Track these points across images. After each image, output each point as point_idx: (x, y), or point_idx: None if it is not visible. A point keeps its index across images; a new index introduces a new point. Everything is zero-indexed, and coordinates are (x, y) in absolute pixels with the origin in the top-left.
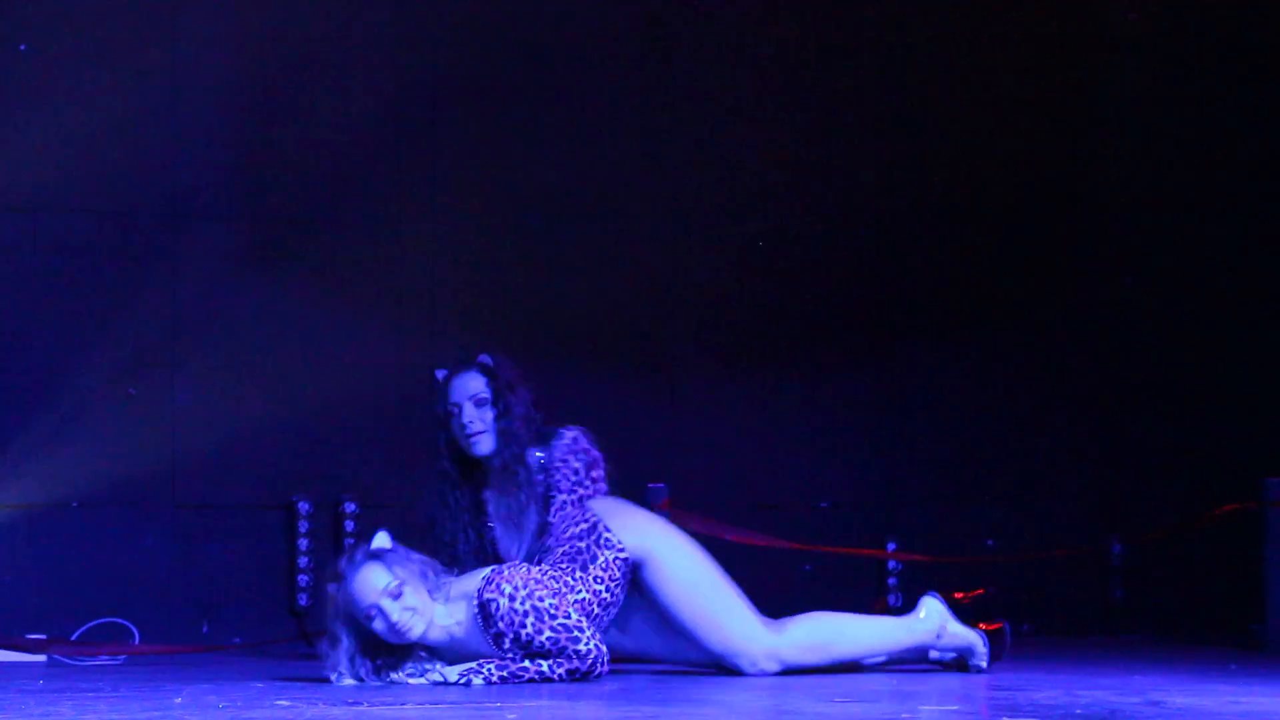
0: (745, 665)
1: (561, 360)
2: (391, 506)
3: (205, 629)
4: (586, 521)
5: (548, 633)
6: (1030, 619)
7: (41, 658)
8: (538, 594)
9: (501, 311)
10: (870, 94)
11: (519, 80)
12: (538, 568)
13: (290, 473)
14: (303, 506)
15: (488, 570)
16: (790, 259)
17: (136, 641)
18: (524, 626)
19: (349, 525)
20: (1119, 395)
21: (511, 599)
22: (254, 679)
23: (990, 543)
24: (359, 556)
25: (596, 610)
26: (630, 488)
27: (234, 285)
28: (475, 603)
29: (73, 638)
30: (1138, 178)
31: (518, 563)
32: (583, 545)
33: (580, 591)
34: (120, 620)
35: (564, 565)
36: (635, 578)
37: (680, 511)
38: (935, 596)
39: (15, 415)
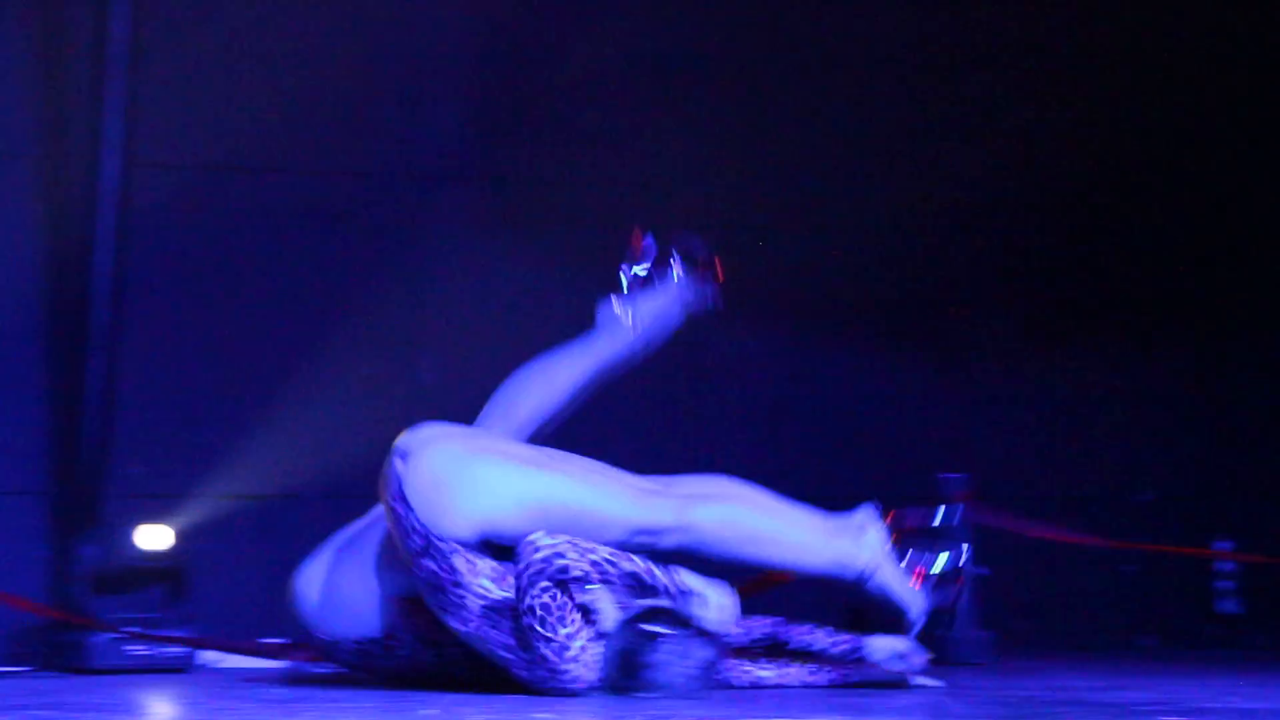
0: (662, 538)
1: (835, 336)
2: None
3: None
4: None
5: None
6: None
7: (281, 664)
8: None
9: (765, 279)
10: None
11: (788, 26)
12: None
13: None
14: None
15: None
16: (1098, 219)
17: None
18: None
19: None
20: None
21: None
22: None
23: None
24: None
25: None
26: (921, 479)
27: (480, 253)
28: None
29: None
30: None
31: None
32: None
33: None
34: None
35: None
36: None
37: (978, 504)
38: (880, 524)
39: (244, 397)
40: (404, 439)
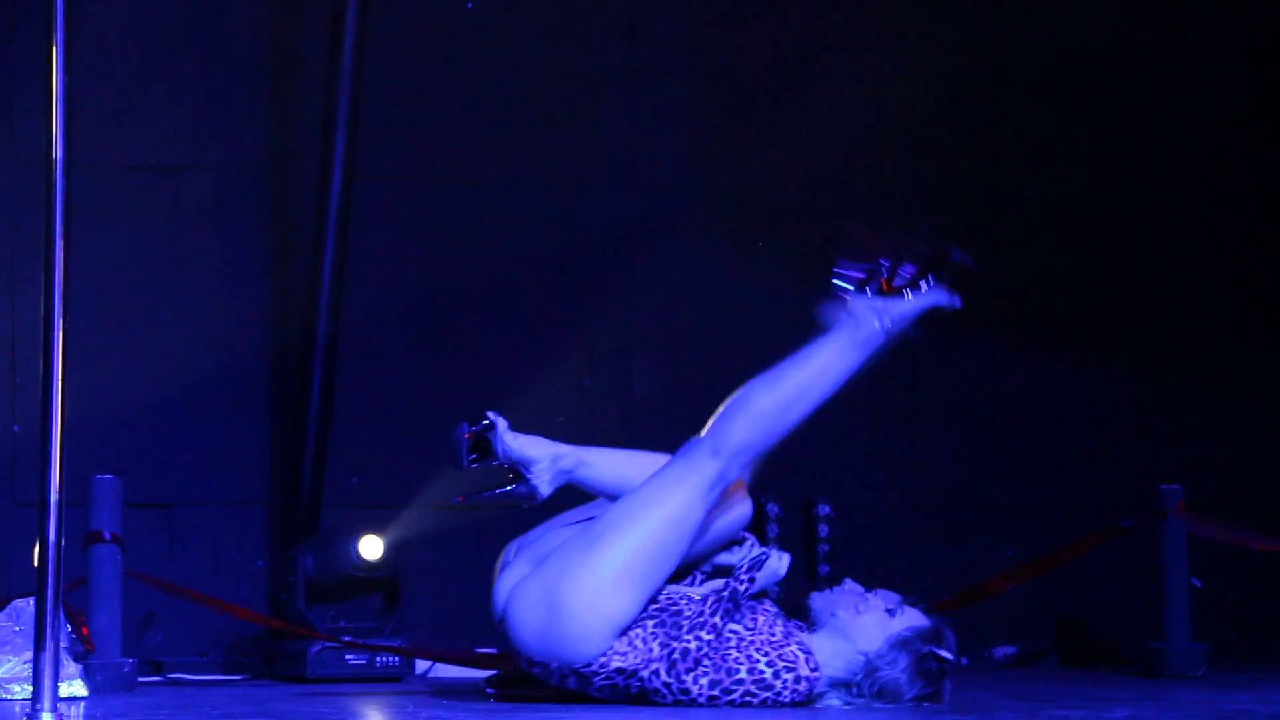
0: (727, 475)
1: (1049, 347)
2: (864, 509)
3: None
4: None
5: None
6: None
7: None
8: None
9: (980, 290)
10: None
11: (1014, 38)
12: None
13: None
14: (771, 509)
15: None
16: None
17: None
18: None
19: (822, 530)
20: None
21: None
22: None
23: None
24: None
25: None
26: (1135, 489)
27: (697, 263)
28: None
29: None
30: None
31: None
32: None
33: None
34: None
35: None
36: None
37: (1196, 515)
38: (862, 296)
39: (460, 409)
40: (497, 598)
